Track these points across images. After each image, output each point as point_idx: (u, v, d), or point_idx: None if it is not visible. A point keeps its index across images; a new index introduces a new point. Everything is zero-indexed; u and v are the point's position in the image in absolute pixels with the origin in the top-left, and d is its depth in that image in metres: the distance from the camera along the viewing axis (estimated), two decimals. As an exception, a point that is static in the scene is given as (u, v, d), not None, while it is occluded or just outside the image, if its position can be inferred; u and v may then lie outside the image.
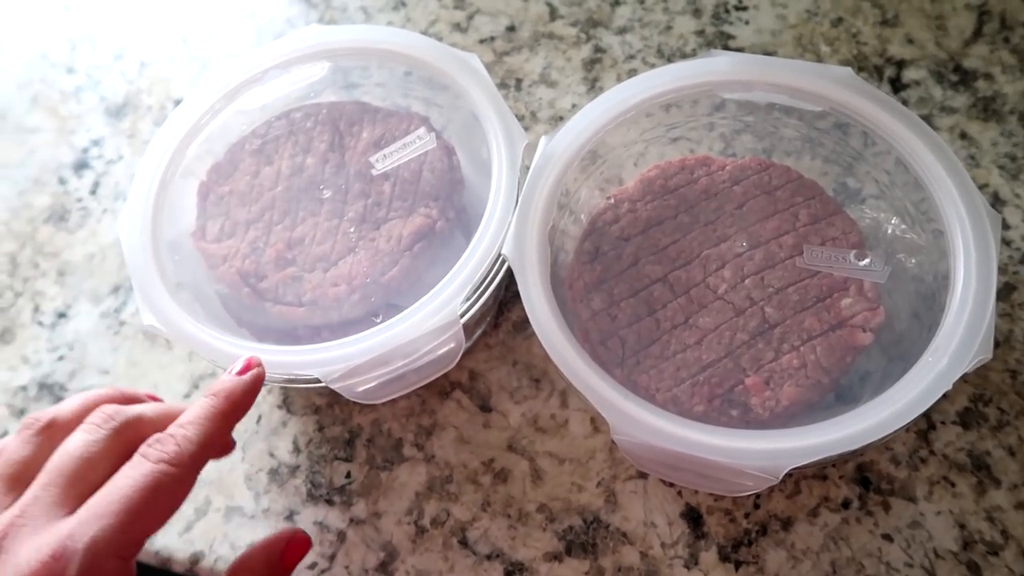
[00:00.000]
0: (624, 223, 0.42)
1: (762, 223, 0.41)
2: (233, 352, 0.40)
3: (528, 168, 0.42)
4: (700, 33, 0.56)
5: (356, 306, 0.42)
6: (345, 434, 0.47)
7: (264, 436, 0.47)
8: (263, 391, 0.49)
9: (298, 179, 0.45)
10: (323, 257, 0.43)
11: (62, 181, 0.58)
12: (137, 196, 0.44)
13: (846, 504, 0.42)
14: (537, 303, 0.37)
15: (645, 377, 0.39)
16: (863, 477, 0.42)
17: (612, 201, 0.43)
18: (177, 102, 0.60)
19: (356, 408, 0.47)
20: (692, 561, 0.42)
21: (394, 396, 0.43)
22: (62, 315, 0.53)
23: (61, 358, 0.52)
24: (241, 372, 0.36)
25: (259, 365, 0.37)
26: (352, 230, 0.43)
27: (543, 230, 0.40)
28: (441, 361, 0.41)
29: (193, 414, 0.34)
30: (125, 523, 0.29)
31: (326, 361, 0.38)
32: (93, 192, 0.57)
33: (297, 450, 0.47)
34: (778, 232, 0.41)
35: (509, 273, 0.43)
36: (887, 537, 0.41)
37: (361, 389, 0.40)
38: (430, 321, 0.39)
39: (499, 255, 0.40)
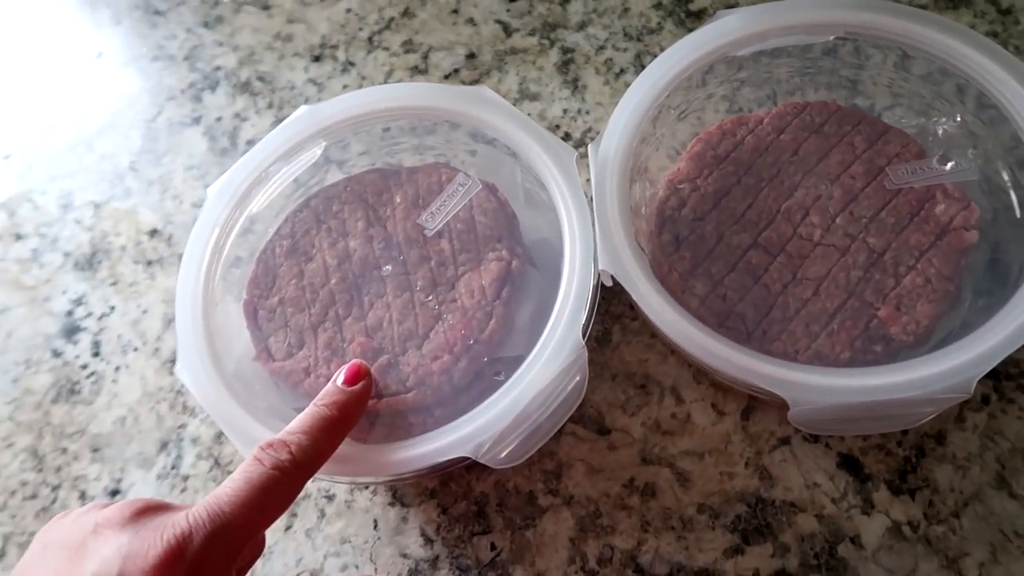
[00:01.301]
0: (693, 203, 0.42)
1: (824, 161, 0.41)
2: (382, 460, 0.37)
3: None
4: (658, 6, 0.57)
5: (466, 372, 0.39)
6: (472, 507, 0.44)
7: (388, 539, 0.44)
8: (368, 492, 0.45)
9: (349, 265, 0.42)
10: (411, 335, 0.40)
11: (56, 353, 0.53)
12: (186, 338, 0.40)
13: (985, 400, 0.42)
14: (661, 310, 0.36)
15: (779, 344, 0.38)
16: (990, 370, 0.43)
17: (672, 186, 0.42)
18: (152, 232, 0.56)
19: (473, 477, 0.45)
20: (868, 506, 0.41)
21: (531, 452, 0.41)
22: (115, 492, 0.48)
23: (132, 537, 0.47)
24: (348, 382, 0.37)
25: (367, 374, 0.38)
26: (429, 298, 0.41)
27: (630, 234, 0.38)
28: (570, 399, 0.39)
29: (305, 423, 0.34)
30: (239, 520, 0.30)
31: (473, 435, 0.36)
32: (96, 354, 0.52)
33: (429, 541, 0.44)
34: (844, 165, 0.41)
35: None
36: (1037, 417, 0.42)
37: (505, 453, 0.38)
38: (558, 360, 0.37)
39: (598, 275, 0.38)
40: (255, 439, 0.38)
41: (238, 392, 0.39)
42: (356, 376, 0.37)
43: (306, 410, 0.35)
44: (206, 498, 0.31)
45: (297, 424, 0.34)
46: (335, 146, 0.49)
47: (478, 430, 0.35)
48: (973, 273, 0.41)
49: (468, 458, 0.36)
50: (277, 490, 0.32)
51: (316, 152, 0.46)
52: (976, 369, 0.32)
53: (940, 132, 0.43)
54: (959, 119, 0.42)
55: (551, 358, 0.36)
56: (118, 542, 0.29)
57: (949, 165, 0.40)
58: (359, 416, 0.37)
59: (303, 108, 0.46)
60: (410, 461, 0.36)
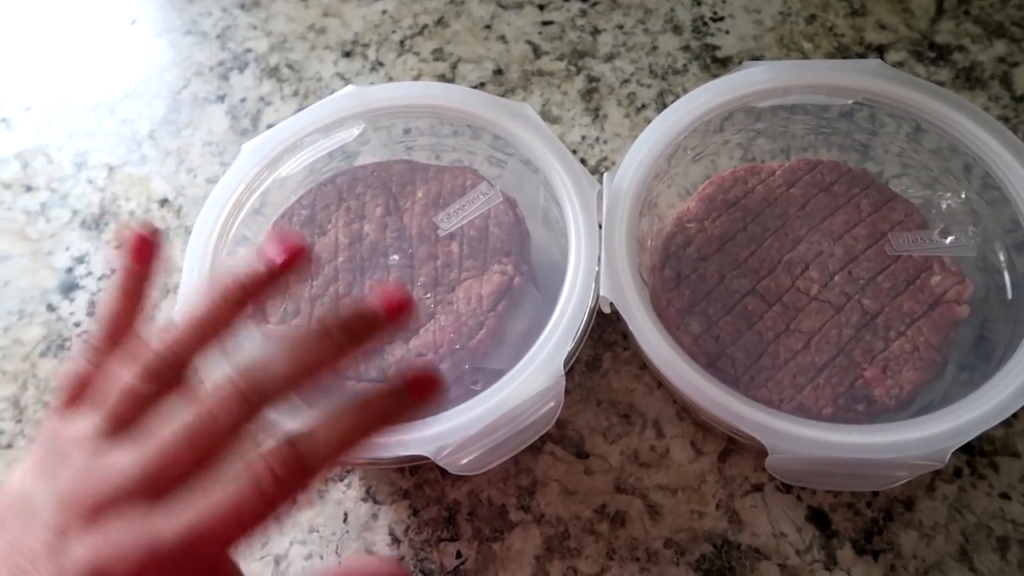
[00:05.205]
0: (698, 243, 0.43)
1: (830, 219, 0.42)
2: None
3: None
4: (686, 48, 0.58)
5: (446, 374, 0.40)
6: (443, 512, 0.45)
7: (356, 534, 0.45)
8: (342, 485, 0.46)
9: (359, 247, 0.43)
10: (401, 327, 0.41)
11: (51, 308, 0.53)
12: (190, 281, 0.41)
13: (958, 473, 0.43)
14: (655, 342, 0.37)
15: (764, 391, 0.39)
16: (966, 444, 0.43)
17: (679, 224, 0.43)
18: (163, 202, 0.56)
19: (448, 483, 0.45)
20: (831, 562, 0.42)
21: (495, 464, 0.42)
22: (91, 452, 0.48)
23: (102, 499, 0.47)
24: (416, 389, 0.29)
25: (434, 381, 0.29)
26: (427, 295, 0.41)
27: (634, 264, 0.39)
28: (540, 422, 0.40)
29: (339, 427, 0.28)
30: (219, 533, 0.26)
31: (436, 437, 0.36)
32: (91, 313, 0.52)
33: (396, 540, 0.44)
34: (848, 225, 0.42)
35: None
36: (1004, 496, 0.42)
37: (465, 461, 0.38)
38: (535, 383, 0.37)
39: (594, 306, 0.39)
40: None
41: (227, 349, 0.40)
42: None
43: (345, 407, 0.28)
44: (192, 502, 0.27)
45: (328, 425, 0.28)
46: (371, 130, 0.50)
47: (442, 434, 0.36)
48: (960, 347, 0.42)
49: (427, 458, 0.36)
50: (270, 506, 0.27)
51: (354, 132, 0.47)
52: (952, 440, 0.33)
53: (944, 206, 0.44)
54: (963, 196, 0.43)
55: (529, 380, 0.37)
56: (89, 549, 0.26)
57: (949, 239, 0.41)
58: (397, 420, 0.29)
59: (350, 87, 0.47)
60: (370, 448, 0.36)
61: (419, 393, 0.29)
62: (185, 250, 0.44)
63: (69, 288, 0.54)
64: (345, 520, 0.45)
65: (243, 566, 0.43)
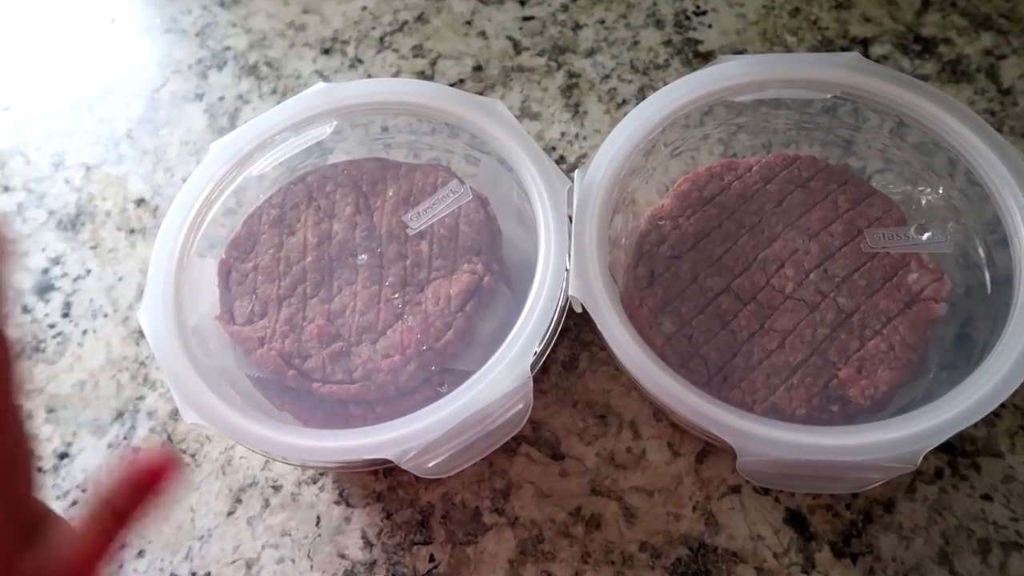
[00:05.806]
0: (672, 241, 0.42)
1: (806, 216, 0.42)
2: (297, 443, 0.37)
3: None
4: (667, 43, 0.57)
5: (413, 376, 0.39)
6: (417, 516, 0.44)
7: (329, 537, 0.44)
8: (315, 488, 0.45)
9: (327, 247, 0.43)
10: (369, 328, 0.40)
11: (27, 309, 0.53)
12: (155, 282, 0.41)
13: (939, 474, 0.42)
14: (624, 343, 0.36)
15: (737, 392, 0.38)
16: (947, 444, 0.43)
17: (653, 221, 0.43)
18: (139, 202, 0.56)
19: (422, 486, 0.45)
20: (809, 565, 0.41)
21: (463, 467, 0.41)
22: (64, 455, 0.48)
23: (75, 503, 0.46)
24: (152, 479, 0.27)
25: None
26: (396, 295, 0.41)
27: (604, 263, 0.38)
28: (510, 423, 0.39)
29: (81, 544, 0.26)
30: None
31: (400, 440, 0.36)
32: (66, 315, 0.52)
33: (369, 544, 0.44)
34: (825, 222, 0.41)
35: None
36: (986, 497, 0.41)
37: (432, 464, 0.37)
38: (502, 385, 0.36)
39: (564, 305, 0.38)
40: (196, 397, 0.38)
41: (192, 346, 0.39)
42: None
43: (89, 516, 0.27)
44: None
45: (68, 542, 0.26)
46: (344, 127, 0.49)
47: (406, 436, 0.35)
48: (941, 345, 0.41)
49: (391, 461, 0.36)
50: None
51: (326, 130, 0.46)
52: (924, 442, 0.32)
53: (924, 202, 0.43)
54: (943, 192, 0.43)
55: (495, 382, 0.36)
56: None
57: (925, 236, 0.40)
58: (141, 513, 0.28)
59: (321, 84, 0.46)
60: (331, 451, 0.36)
61: (156, 481, 0.27)
62: (154, 251, 0.44)
63: (44, 289, 0.53)
64: (318, 523, 0.44)
65: (214, 571, 0.43)
